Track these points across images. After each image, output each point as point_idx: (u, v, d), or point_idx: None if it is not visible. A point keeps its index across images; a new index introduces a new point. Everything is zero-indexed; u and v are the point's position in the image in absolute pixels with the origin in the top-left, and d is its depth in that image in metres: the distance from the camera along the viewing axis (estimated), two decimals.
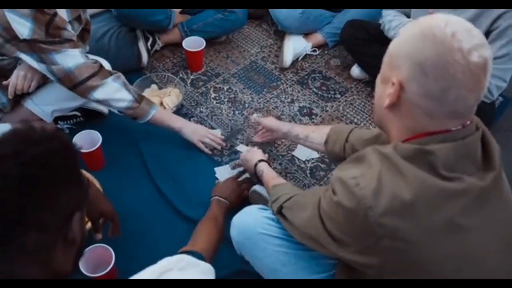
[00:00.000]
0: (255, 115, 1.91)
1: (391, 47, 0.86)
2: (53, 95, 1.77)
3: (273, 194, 1.20)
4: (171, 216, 1.64)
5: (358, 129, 1.35)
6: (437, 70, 0.77)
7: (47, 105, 1.77)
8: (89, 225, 1.37)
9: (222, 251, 1.52)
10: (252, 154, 1.54)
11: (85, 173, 1.54)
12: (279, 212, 1.13)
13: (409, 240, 0.80)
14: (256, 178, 1.53)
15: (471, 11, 1.60)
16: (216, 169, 1.79)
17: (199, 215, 1.61)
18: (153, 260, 1.32)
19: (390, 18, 1.90)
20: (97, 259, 1.37)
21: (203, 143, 1.83)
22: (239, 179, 1.66)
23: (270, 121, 1.68)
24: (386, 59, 0.88)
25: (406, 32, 0.84)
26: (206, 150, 1.84)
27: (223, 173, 1.76)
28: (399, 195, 0.79)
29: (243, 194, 1.60)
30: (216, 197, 1.51)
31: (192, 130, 1.83)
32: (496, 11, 1.57)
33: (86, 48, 1.73)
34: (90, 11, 2.26)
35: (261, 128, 1.76)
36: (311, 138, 1.48)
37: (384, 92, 0.86)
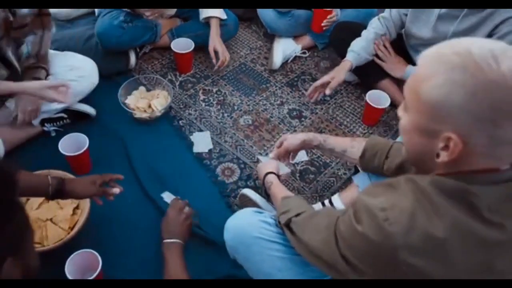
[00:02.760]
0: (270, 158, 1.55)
1: (429, 96, 0.73)
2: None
3: (282, 205, 1.15)
4: (158, 221, 1.61)
5: (397, 145, 1.28)
6: (509, 116, 0.69)
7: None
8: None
9: (211, 256, 1.51)
10: (264, 165, 1.47)
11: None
12: (287, 225, 1.08)
13: (436, 278, 0.74)
14: (264, 190, 1.47)
15: (474, 18, 1.60)
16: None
17: None
18: (140, 265, 1.31)
19: (367, 30, 1.92)
20: (84, 264, 1.35)
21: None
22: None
23: (295, 141, 1.44)
24: (421, 108, 0.75)
25: (444, 76, 0.72)
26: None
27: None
28: (432, 234, 0.72)
29: (189, 223, 1.48)
30: (168, 241, 1.38)
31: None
32: (499, 18, 1.56)
33: (52, 31, 1.76)
34: (77, 13, 2.25)
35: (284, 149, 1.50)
36: (348, 153, 1.39)
37: (429, 145, 0.76)
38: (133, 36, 2.06)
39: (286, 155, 1.51)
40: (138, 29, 2.07)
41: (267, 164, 1.47)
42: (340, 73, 1.88)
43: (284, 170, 1.52)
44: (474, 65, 0.69)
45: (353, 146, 1.37)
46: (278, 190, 1.31)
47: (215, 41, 2.11)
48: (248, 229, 1.18)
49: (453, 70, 0.71)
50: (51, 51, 1.82)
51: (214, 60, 2.10)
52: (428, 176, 0.77)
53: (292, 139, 1.46)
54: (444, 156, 0.75)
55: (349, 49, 1.90)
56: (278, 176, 1.41)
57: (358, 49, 1.88)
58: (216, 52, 2.10)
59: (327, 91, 1.88)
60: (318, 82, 1.90)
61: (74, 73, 1.78)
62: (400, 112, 0.83)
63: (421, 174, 0.80)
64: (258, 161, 1.79)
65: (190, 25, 2.23)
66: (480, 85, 0.69)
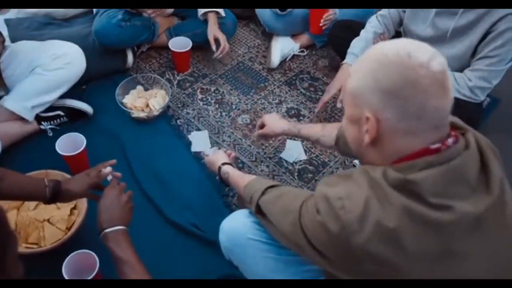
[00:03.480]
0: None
1: (350, 87, 0.86)
2: (30, 89, 1.74)
3: (247, 193, 1.17)
4: (156, 220, 1.62)
5: None
6: (408, 90, 0.78)
7: (26, 100, 1.73)
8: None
9: (208, 255, 1.51)
10: (215, 157, 1.48)
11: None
12: (259, 211, 1.10)
13: (395, 267, 0.78)
14: (222, 183, 1.44)
15: (472, 15, 1.59)
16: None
17: (184, 220, 1.60)
18: None
19: (366, 29, 1.91)
20: (82, 265, 1.34)
21: None
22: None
23: (277, 130, 1.63)
24: (348, 100, 0.88)
25: (360, 69, 0.85)
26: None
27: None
28: (384, 223, 0.77)
29: (131, 206, 1.28)
30: (110, 230, 1.15)
31: None
32: (497, 15, 1.55)
33: None
34: (74, 12, 2.24)
35: (261, 129, 1.69)
36: (321, 141, 1.47)
37: (359, 132, 0.86)
38: (131, 35, 2.05)
39: (267, 138, 1.68)
40: (136, 28, 2.06)
41: (217, 156, 1.48)
42: (346, 83, 1.87)
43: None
44: (379, 52, 0.82)
45: (323, 135, 1.46)
46: (238, 178, 1.31)
47: (214, 30, 2.10)
48: (242, 231, 1.18)
49: (363, 62, 0.85)
50: (29, 42, 1.82)
51: (214, 47, 2.08)
52: (379, 168, 0.83)
53: (273, 126, 1.63)
54: (366, 138, 0.84)
55: (349, 50, 1.89)
56: (232, 164, 1.45)
57: (358, 51, 1.87)
58: (216, 40, 2.09)
59: (338, 105, 1.91)
60: (327, 97, 1.89)
61: (60, 61, 1.75)
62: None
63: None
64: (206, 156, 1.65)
65: (188, 23, 2.22)
66: (383, 66, 0.80)
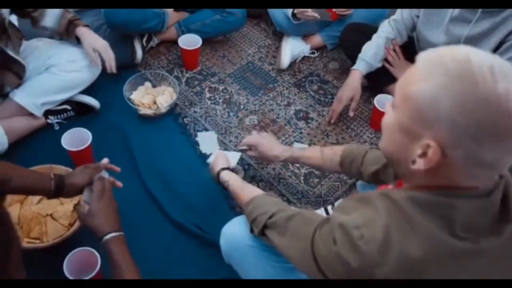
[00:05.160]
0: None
1: (420, 96, 0.70)
2: (42, 88, 1.74)
3: (249, 213, 1.12)
4: (158, 219, 1.60)
5: (371, 152, 1.28)
6: (494, 139, 0.66)
7: (37, 97, 1.74)
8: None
9: (211, 257, 1.49)
10: (215, 161, 1.44)
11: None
12: (263, 234, 1.07)
13: None
14: (223, 188, 1.39)
15: (487, 24, 1.56)
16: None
17: (186, 220, 1.58)
18: (138, 264, 1.30)
19: (378, 34, 1.88)
20: (83, 263, 1.33)
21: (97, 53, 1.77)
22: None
23: (269, 156, 1.51)
24: (409, 106, 0.72)
25: (438, 80, 0.68)
26: (97, 60, 1.77)
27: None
28: (408, 252, 0.71)
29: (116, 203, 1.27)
30: (113, 236, 1.15)
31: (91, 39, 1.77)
32: None
33: None
34: None
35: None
36: (325, 168, 1.42)
37: (409, 148, 0.73)
38: (140, 18, 2.01)
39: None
40: (146, 12, 2.03)
41: (217, 160, 1.44)
42: (357, 91, 1.87)
43: (235, 157, 1.58)
44: (470, 76, 0.66)
45: (324, 164, 1.39)
46: (238, 190, 1.26)
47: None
48: (242, 237, 1.17)
49: (446, 76, 0.68)
50: (46, 40, 1.84)
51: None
52: (402, 191, 0.76)
53: (267, 150, 1.50)
54: (420, 164, 0.72)
55: (360, 56, 1.87)
56: (232, 170, 1.41)
57: (369, 58, 1.85)
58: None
59: (351, 114, 1.90)
60: (339, 107, 1.89)
61: (77, 64, 1.77)
62: (387, 107, 0.80)
63: (397, 183, 0.81)
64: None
65: (197, 15, 2.20)
66: (471, 98, 0.66)
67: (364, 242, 0.73)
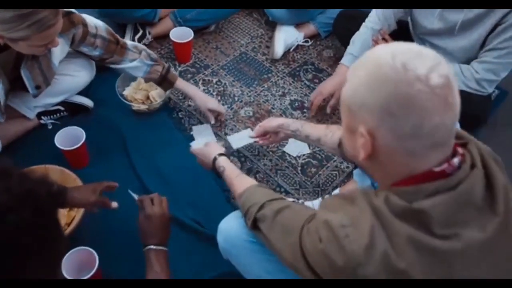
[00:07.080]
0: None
1: (344, 97, 0.80)
2: None
3: (242, 205, 1.12)
4: None
5: None
6: (403, 108, 0.72)
7: (29, 100, 1.72)
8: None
9: (210, 253, 1.49)
10: (208, 149, 1.40)
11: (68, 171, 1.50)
12: (255, 226, 1.06)
13: None
14: (217, 175, 1.36)
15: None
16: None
17: (186, 216, 1.57)
18: (137, 262, 1.29)
19: (364, 24, 1.85)
20: (81, 262, 1.33)
21: (210, 111, 1.83)
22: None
23: (273, 122, 1.50)
24: (343, 109, 0.82)
25: (354, 78, 0.78)
26: (212, 119, 1.84)
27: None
28: (391, 256, 0.73)
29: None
30: (152, 247, 1.24)
31: (202, 99, 1.85)
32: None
33: None
34: None
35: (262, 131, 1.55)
36: (323, 141, 1.38)
37: (355, 143, 0.80)
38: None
39: (265, 135, 1.54)
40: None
41: (211, 147, 1.40)
42: (339, 89, 1.81)
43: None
44: (373, 62, 0.76)
45: (326, 134, 1.36)
46: (232, 179, 1.24)
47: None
48: (238, 232, 1.17)
49: (358, 69, 0.78)
50: None
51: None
52: (382, 192, 0.78)
53: (270, 120, 1.51)
54: (361, 153, 0.78)
55: (347, 51, 1.85)
56: (228, 156, 1.39)
57: (356, 52, 1.82)
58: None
59: (328, 110, 1.88)
60: (318, 99, 1.86)
61: (70, 68, 1.76)
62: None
63: (377, 186, 0.82)
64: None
65: None
66: (374, 78, 0.74)
67: (350, 241, 0.75)
